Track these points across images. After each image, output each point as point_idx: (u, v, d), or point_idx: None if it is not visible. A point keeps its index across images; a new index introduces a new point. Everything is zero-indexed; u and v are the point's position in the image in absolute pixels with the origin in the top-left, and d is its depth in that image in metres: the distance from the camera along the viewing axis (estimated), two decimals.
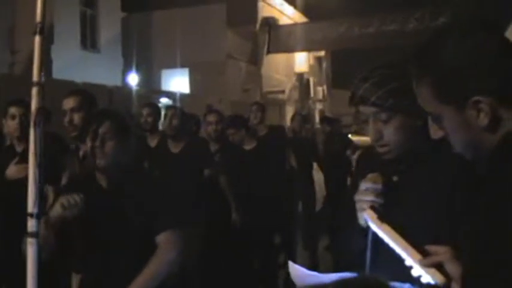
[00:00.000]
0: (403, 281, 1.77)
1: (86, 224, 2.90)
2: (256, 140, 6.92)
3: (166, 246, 2.92)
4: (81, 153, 3.54)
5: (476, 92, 1.39)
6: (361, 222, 2.04)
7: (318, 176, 9.81)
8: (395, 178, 2.11)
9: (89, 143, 2.96)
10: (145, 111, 6.63)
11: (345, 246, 2.31)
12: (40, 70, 2.58)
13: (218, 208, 5.97)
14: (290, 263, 1.97)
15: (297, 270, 1.95)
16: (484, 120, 1.41)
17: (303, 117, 10.57)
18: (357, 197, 2.05)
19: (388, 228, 1.86)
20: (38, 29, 2.58)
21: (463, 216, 1.87)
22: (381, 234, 1.87)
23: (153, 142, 6.39)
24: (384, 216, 1.90)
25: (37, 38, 2.57)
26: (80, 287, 3.26)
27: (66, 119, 3.98)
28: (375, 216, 1.91)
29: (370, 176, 2.05)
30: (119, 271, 2.92)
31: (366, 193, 2.02)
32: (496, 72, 1.41)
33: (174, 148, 6.05)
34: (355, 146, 10.75)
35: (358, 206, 2.04)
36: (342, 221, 2.40)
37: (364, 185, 2.04)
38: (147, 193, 3.02)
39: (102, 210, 2.94)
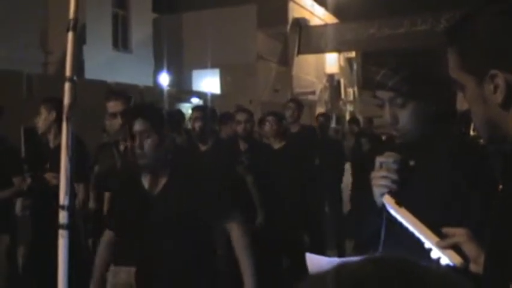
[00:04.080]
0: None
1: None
2: (287, 138, 6.91)
3: (242, 233, 3.17)
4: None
5: (496, 66, 1.39)
6: (377, 200, 2.07)
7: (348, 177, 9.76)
8: (411, 163, 2.14)
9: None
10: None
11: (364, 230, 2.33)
12: (73, 66, 2.62)
13: (245, 208, 5.97)
14: (307, 255, 1.96)
15: (315, 259, 1.94)
16: (499, 96, 1.40)
17: (327, 117, 10.50)
18: (373, 174, 2.08)
19: (406, 212, 1.87)
20: (71, 26, 2.62)
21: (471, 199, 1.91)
22: (400, 218, 1.88)
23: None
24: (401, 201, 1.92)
25: (70, 34, 2.61)
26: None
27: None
28: (393, 201, 1.92)
29: (386, 153, 2.09)
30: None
31: (381, 169, 2.06)
32: None
33: (202, 147, 6.04)
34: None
35: (373, 182, 2.07)
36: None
37: (378, 161, 2.08)
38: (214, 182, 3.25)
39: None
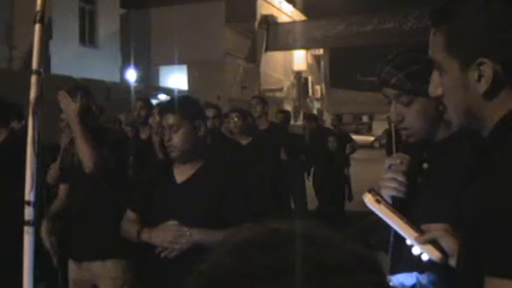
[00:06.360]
0: (425, 266, 1.76)
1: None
2: (255, 135, 6.90)
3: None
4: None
5: (485, 54, 1.36)
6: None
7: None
8: (425, 165, 2.08)
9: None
10: (138, 105, 6.80)
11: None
12: (40, 59, 2.56)
13: None
14: None
15: None
16: (483, 85, 1.37)
17: (287, 114, 10.47)
18: (382, 176, 2.05)
19: (385, 209, 1.85)
20: (38, 17, 2.56)
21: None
22: (380, 215, 1.86)
23: (144, 134, 6.49)
24: (381, 198, 1.88)
25: (37, 26, 2.55)
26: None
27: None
28: (372, 198, 1.89)
29: (395, 154, 2.06)
30: None
31: (389, 171, 2.02)
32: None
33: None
34: (354, 144, 10.73)
35: (380, 183, 2.03)
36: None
37: (387, 163, 2.04)
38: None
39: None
